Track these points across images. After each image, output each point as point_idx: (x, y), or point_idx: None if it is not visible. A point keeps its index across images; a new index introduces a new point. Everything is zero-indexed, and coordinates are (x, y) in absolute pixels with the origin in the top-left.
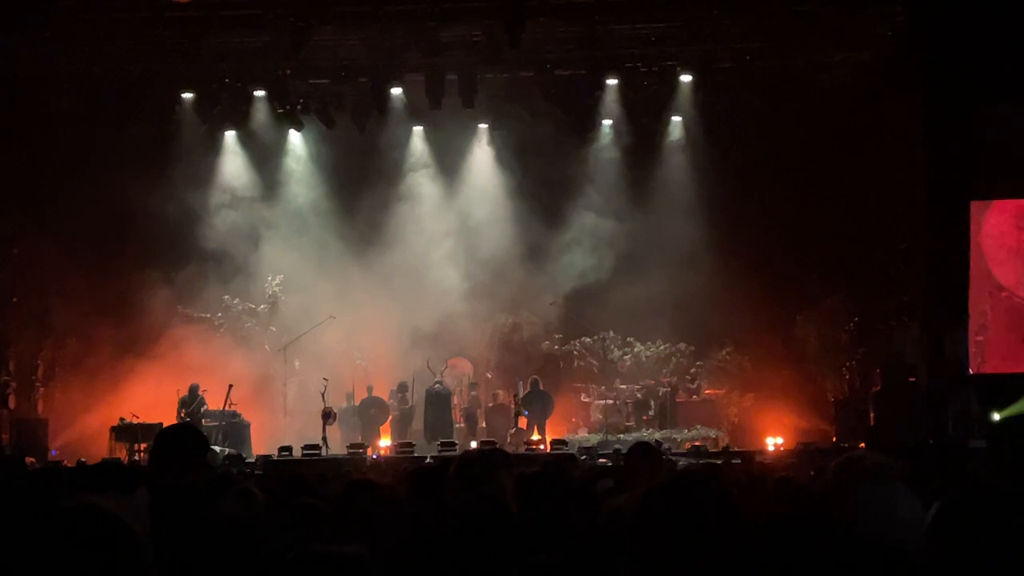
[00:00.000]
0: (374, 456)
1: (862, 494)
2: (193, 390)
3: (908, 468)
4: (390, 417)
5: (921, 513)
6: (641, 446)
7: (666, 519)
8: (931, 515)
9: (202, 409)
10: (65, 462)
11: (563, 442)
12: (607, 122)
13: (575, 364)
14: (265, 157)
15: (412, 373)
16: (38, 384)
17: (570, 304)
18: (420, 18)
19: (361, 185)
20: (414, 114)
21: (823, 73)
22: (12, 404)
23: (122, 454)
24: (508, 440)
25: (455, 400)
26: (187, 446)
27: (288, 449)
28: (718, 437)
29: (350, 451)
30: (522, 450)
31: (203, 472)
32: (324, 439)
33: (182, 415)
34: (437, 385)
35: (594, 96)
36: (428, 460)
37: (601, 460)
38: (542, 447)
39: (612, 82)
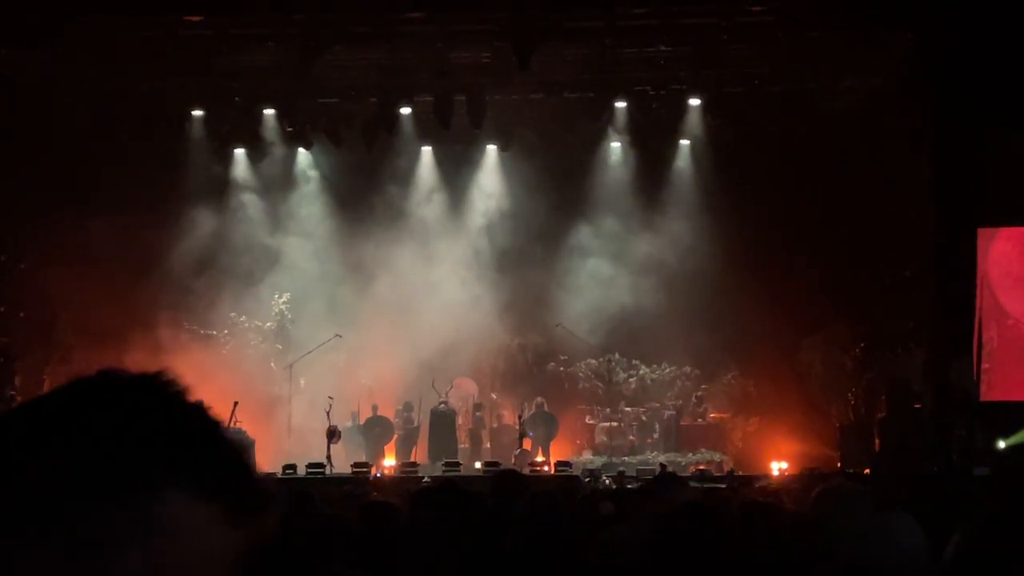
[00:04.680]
0: (378, 475)
1: (864, 523)
2: None
3: (911, 495)
4: (395, 436)
5: (923, 542)
6: (669, 476)
7: (674, 552)
8: (952, 546)
9: None
10: None
11: (567, 464)
12: (615, 145)
13: (580, 386)
14: (273, 175)
15: (417, 393)
16: None
17: (576, 326)
18: (430, 39)
19: (368, 204)
20: (423, 135)
21: (832, 98)
22: None
23: None
24: (512, 461)
25: (460, 421)
26: None
27: (292, 467)
28: (723, 461)
29: (354, 470)
30: (526, 471)
31: None
32: (328, 458)
33: None
34: (442, 405)
35: (602, 119)
36: (425, 480)
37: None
38: (546, 469)
39: (621, 105)
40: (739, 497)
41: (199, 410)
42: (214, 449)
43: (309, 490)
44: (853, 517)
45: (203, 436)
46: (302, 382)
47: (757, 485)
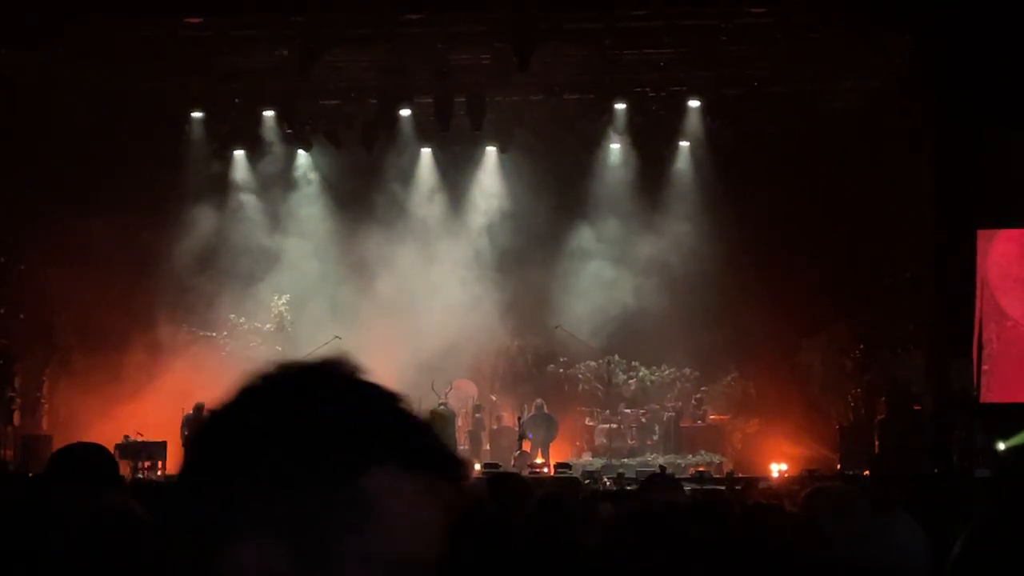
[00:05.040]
0: None
1: (863, 524)
2: (198, 409)
3: (911, 497)
4: None
5: (924, 543)
6: (659, 477)
7: (630, 552)
8: (958, 548)
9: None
10: None
11: (567, 466)
12: (615, 146)
13: (580, 388)
14: (273, 176)
15: (417, 394)
16: (43, 401)
17: (575, 328)
18: (429, 41)
19: (368, 206)
20: (422, 136)
21: (831, 100)
22: (17, 420)
23: (126, 472)
24: (512, 463)
25: (459, 422)
26: (99, 464)
27: None
28: (722, 463)
29: None
30: (526, 473)
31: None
32: None
33: (186, 433)
34: (441, 407)
35: (602, 120)
36: None
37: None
38: (546, 470)
39: (620, 107)
40: (739, 499)
41: (382, 389)
42: (408, 424)
43: None
44: (843, 518)
45: (395, 413)
46: None
47: (761, 486)
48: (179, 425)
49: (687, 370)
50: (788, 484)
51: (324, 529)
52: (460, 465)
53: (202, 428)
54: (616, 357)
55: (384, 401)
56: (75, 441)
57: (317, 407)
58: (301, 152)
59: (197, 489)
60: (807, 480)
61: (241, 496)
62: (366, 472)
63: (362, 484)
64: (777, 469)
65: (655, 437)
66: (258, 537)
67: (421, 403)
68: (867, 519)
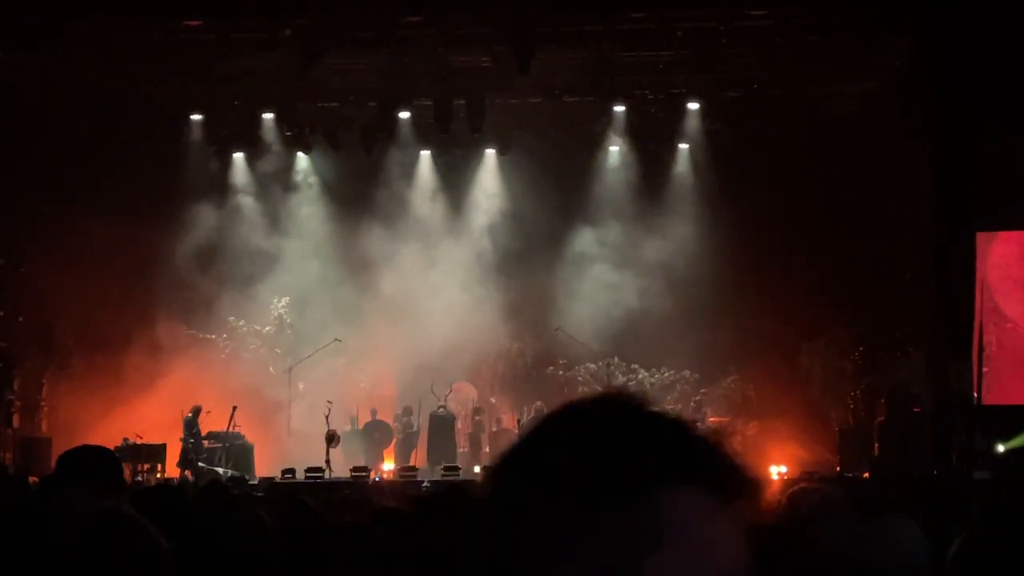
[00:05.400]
0: (376, 479)
1: (864, 526)
2: (196, 411)
3: (911, 499)
4: (394, 441)
5: (924, 545)
6: None
7: None
8: (955, 547)
9: (192, 431)
10: None
11: None
12: (614, 148)
13: (579, 390)
14: (273, 179)
15: (417, 397)
16: (42, 403)
17: (575, 330)
18: (429, 43)
19: (367, 208)
20: (422, 138)
21: (830, 102)
22: (16, 423)
23: (125, 474)
24: None
25: (459, 425)
26: (103, 467)
27: (291, 471)
28: None
29: (353, 474)
30: None
31: (122, 494)
32: (328, 462)
33: (188, 438)
34: (441, 409)
35: (602, 123)
36: (425, 485)
37: None
38: None
39: (620, 109)
40: None
41: (670, 415)
42: (700, 446)
43: (303, 496)
44: (827, 521)
45: (686, 436)
46: (301, 386)
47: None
48: (179, 427)
49: (687, 372)
50: (788, 486)
51: (626, 553)
52: (756, 483)
53: (503, 463)
54: (616, 359)
55: (674, 425)
56: (76, 444)
57: (610, 436)
58: (300, 154)
59: (502, 520)
60: (806, 481)
61: (544, 526)
62: (663, 495)
63: (660, 507)
64: (777, 471)
65: None
66: (562, 564)
67: (421, 405)
68: (851, 521)
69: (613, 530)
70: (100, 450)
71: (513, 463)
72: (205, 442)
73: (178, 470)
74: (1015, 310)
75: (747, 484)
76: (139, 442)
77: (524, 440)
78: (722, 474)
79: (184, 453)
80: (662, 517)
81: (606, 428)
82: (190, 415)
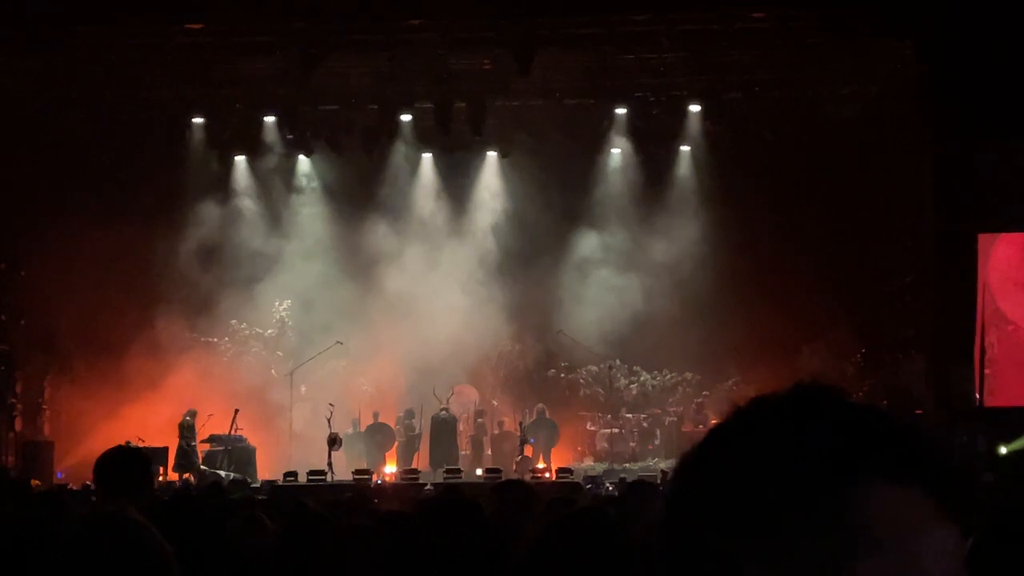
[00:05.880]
0: (379, 482)
1: None
2: (192, 415)
3: None
4: (396, 443)
5: None
6: (640, 485)
7: (559, 557)
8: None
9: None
10: (71, 485)
11: (568, 471)
12: (615, 151)
13: (581, 392)
14: (274, 182)
15: (418, 400)
16: (44, 407)
17: (576, 332)
18: (430, 46)
19: (369, 211)
20: (423, 141)
21: (831, 105)
22: (18, 426)
23: None
24: (514, 468)
25: (461, 427)
26: (134, 470)
27: (293, 474)
28: None
29: (356, 477)
30: (527, 478)
31: (151, 497)
32: (330, 465)
33: (190, 441)
34: (443, 412)
35: (602, 125)
36: (428, 487)
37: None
38: (547, 475)
39: (621, 111)
40: None
41: (867, 405)
42: (905, 437)
43: (305, 499)
44: None
45: (886, 426)
46: (303, 389)
47: None
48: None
49: (688, 374)
50: None
51: (826, 555)
52: (969, 483)
53: (683, 468)
54: (617, 362)
55: (874, 415)
56: (77, 447)
57: (810, 429)
58: (302, 158)
59: (691, 529)
60: None
61: (738, 530)
62: (866, 492)
63: (862, 505)
64: None
65: (657, 442)
66: (758, 568)
67: (423, 408)
68: None
69: (811, 532)
70: (135, 451)
71: (698, 464)
72: (205, 445)
73: (176, 475)
74: (1017, 312)
75: (962, 486)
76: (141, 445)
77: (713, 434)
78: (930, 470)
79: (180, 457)
80: (867, 517)
81: (805, 421)
82: (187, 418)
